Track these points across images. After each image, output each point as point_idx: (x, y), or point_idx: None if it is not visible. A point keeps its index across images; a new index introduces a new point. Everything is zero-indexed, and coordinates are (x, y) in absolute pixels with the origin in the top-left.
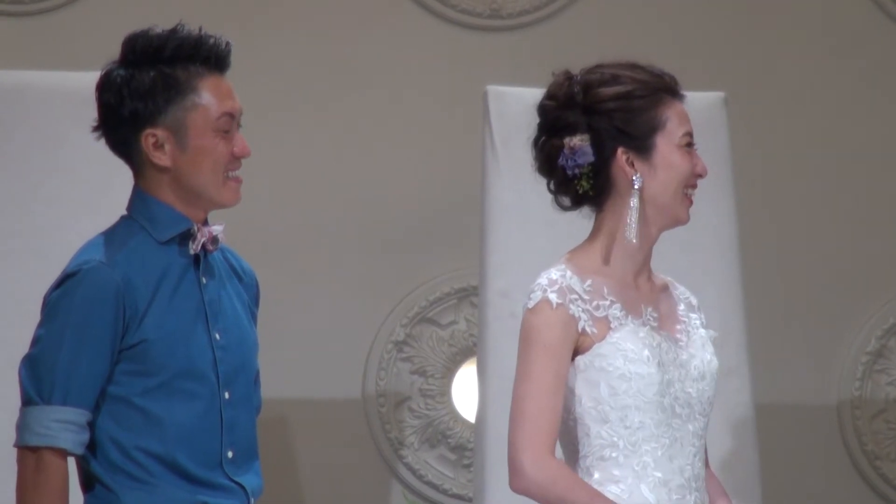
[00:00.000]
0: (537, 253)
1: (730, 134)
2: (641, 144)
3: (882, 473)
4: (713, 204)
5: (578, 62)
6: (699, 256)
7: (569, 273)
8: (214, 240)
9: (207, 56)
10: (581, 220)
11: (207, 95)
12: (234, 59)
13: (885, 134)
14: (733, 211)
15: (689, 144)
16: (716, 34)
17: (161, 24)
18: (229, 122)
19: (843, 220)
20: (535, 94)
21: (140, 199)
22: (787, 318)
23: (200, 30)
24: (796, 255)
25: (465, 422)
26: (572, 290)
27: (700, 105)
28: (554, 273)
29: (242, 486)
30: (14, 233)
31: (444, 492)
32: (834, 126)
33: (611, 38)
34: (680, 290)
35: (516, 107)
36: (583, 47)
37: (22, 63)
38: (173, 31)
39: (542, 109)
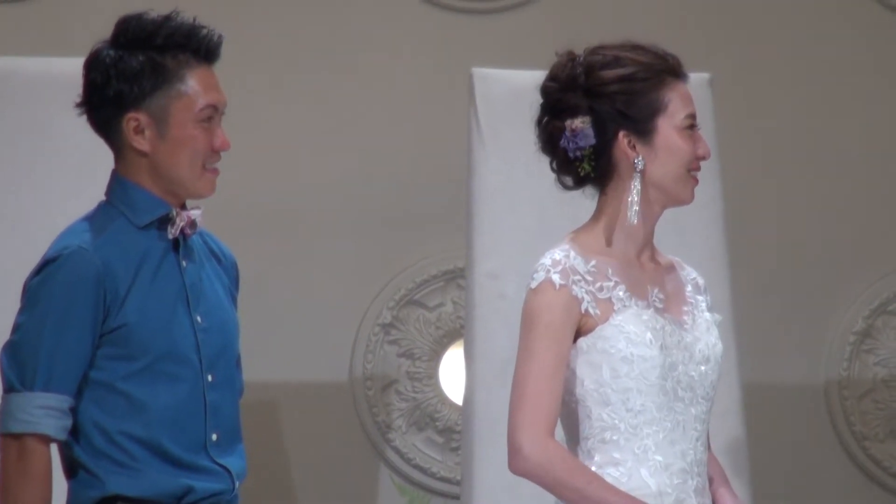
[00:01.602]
0: (524, 234)
1: (715, 114)
2: (643, 127)
3: (870, 454)
4: (699, 184)
5: (564, 44)
6: (685, 237)
7: (573, 253)
8: (193, 224)
9: (198, 47)
10: (569, 201)
11: (194, 85)
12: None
13: (870, 113)
14: (719, 191)
15: (692, 126)
16: (701, 15)
17: (147, 8)
18: (212, 113)
19: (830, 201)
20: (521, 77)
21: (119, 184)
22: (774, 298)
23: (194, 20)
24: (783, 236)
25: (452, 404)
26: (575, 271)
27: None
28: (558, 253)
29: (227, 469)
30: (2, 215)
31: (432, 475)
32: (819, 106)
33: (595, 20)
34: (687, 271)
35: (502, 89)
36: (568, 29)
37: (8, 49)
38: (167, 17)
39: (545, 90)
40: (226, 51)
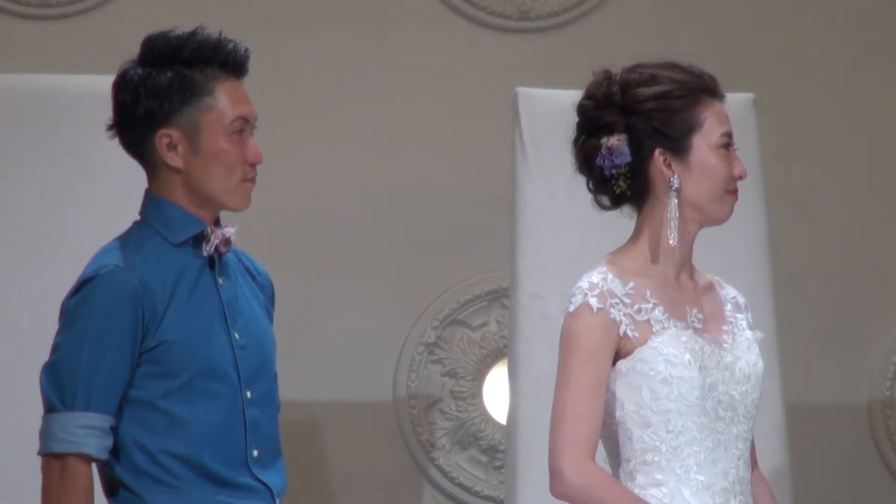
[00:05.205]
0: (568, 254)
1: (759, 135)
2: (678, 145)
3: None
4: (743, 205)
5: (607, 63)
6: (729, 258)
7: (610, 276)
8: (227, 241)
9: (225, 60)
10: (613, 222)
11: (223, 98)
12: (264, 63)
13: None
14: (763, 212)
15: (728, 145)
16: (745, 35)
17: (186, 27)
18: (243, 125)
19: (873, 221)
20: (565, 96)
21: (153, 202)
22: (818, 318)
23: (220, 34)
24: (826, 256)
25: (496, 424)
26: (613, 294)
27: (729, 106)
28: (595, 276)
29: (268, 486)
30: (46, 235)
31: (476, 494)
32: (863, 125)
33: (640, 39)
34: (727, 290)
35: (546, 108)
36: (612, 48)
37: (51, 67)
38: (192, 33)
39: (581, 109)
40: (265, 71)
